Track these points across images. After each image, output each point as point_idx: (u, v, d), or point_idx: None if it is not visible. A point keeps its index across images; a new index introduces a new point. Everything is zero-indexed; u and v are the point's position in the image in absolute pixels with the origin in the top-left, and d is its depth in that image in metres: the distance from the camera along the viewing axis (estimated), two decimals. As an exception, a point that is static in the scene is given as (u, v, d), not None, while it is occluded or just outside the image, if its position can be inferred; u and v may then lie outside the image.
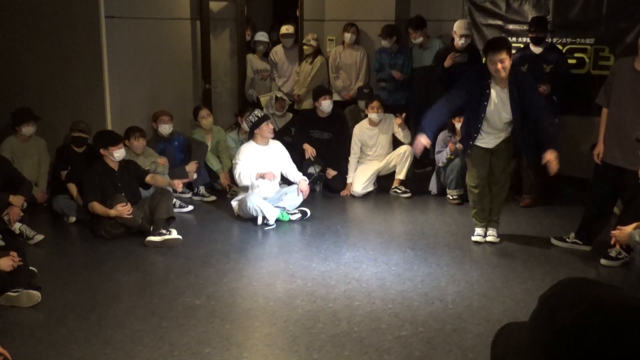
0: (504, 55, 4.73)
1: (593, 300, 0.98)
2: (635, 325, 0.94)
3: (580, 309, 0.97)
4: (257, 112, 6.12)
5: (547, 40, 6.87)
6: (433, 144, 6.89)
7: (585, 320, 0.95)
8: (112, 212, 5.31)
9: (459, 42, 6.86)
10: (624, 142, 4.77)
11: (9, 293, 4.11)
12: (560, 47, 7.03)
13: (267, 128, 6.04)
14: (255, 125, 6.02)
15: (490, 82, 4.90)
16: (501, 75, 4.80)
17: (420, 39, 7.49)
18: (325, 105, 7.00)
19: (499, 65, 4.73)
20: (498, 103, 4.92)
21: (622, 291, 1.00)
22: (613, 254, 4.88)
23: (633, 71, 4.71)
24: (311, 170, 6.90)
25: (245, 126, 7.07)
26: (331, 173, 7.01)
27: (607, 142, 4.94)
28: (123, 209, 5.29)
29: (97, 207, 5.39)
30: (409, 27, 7.50)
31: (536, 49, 6.76)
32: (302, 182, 6.14)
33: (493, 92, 4.91)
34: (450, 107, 5.16)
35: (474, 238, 5.37)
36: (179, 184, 5.79)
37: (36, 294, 4.15)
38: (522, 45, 7.38)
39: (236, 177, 6.02)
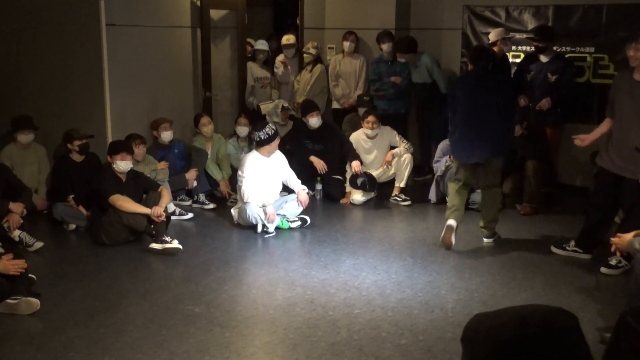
0: None
1: (497, 312, 1.28)
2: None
3: (492, 319, 1.25)
4: (269, 129, 6.00)
5: (554, 49, 6.88)
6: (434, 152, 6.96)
7: (501, 321, 1.23)
8: (146, 210, 5.31)
9: (499, 47, 7.03)
10: (624, 151, 4.79)
11: (8, 300, 4.10)
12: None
13: (276, 144, 6.08)
14: (268, 140, 5.97)
15: None
16: None
17: (403, 60, 7.52)
18: (313, 122, 7.00)
19: None
20: None
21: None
22: (613, 262, 4.88)
23: (632, 81, 4.76)
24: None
25: (240, 130, 7.09)
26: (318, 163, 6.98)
27: (609, 150, 4.96)
28: (159, 212, 5.30)
29: (122, 199, 5.37)
30: (396, 51, 7.50)
31: (543, 58, 6.79)
32: (301, 192, 6.12)
33: None
34: None
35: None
36: (159, 216, 5.35)
37: (35, 302, 4.14)
38: (522, 54, 7.42)
39: (242, 193, 5.93)
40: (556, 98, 6.70)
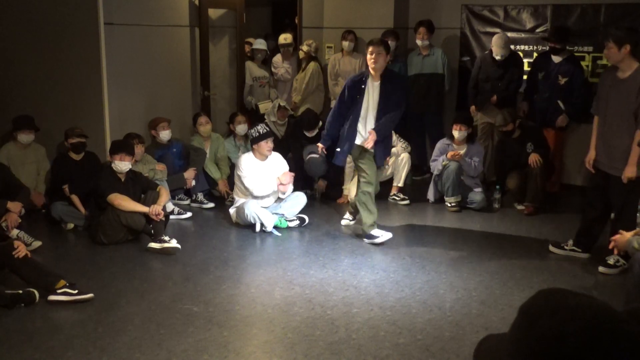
0: (380, 49, 5.26)
1: (571, 308, 1.01)
2: (611, 332, 0.97)
3: (558, 318, 1.00)
4: (260, 128, 6.03)
5: (568, 49, 6.90)
6: (430, 152, 6.96)
7: (563, 328, 0.98)
8: (144, 209, 5.32)
9: (497, 57, 7.07)
10: (609, 148, 4.84)
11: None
12: (579, 58, 7.03)
13: (266, 146, 5.99)
14: (255, 140, 5.98)
15: (367, 78, 5.38)
16: (374, 68, 5.30)
17: (427, 42, 7.53)
18: (309, 135, 7.04)
19: (372, 58, 5.26)
20: (371, 96, 5.38)
21: (597, 300, 1.04)
22: (611, 261, 4.89)
23: (615, 79, 4.81)
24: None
25: (239, 129, 7.11)
26: (321, 184, 7.01)
27: (597, 148, 5.00)
28: (158, 211, 5.30)
29: (121, 198, 5.37)
30: (422, 27, 7.51)
31: (555, 58, 6.81)
32: (285, 174, 6.08)
33: (369, 86, 5.38)
34: (340, 118, 5.55)
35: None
36: (158, 214, 5.36)
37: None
38: (520, 54, 7.43)
39: (250, 190, 5.95)
40: (564, 100, 6.73)
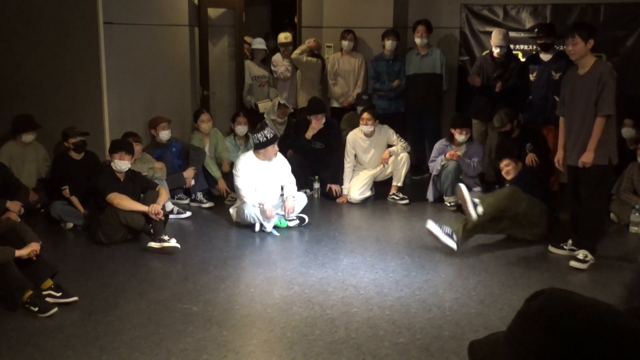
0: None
1: (586, 307, 1.03)
2: (633, 330, 1.00)
3: (579, 318, 1.01)
4: (267, 133, 5.93)
5: (555, 47, 6.92)
6: (429, 151, 6.95)
7: (588, 327, 1.00)
8: (144, 208, 5.33)
9: (495, 51, 7.05)
10: (578, 142, 4.91)
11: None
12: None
13: (272, 150, 5.92)
14: (262, 145, 5.88)
15: None
16: None
17: (426, 41, 7.53)
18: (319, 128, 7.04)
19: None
20: None
21: (596, 300, 1.07)
22: (580, 256, 4.97)
23: (576, 77, 4.92)
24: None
25: (239, 130, 7.11)
26: (335, 189, 6.98)
27: (565, 147, 5.09)
28: (157, 210, 5.30)
29: (120, 197, 5.36)
30: (420, 25, 7.51)
31: (545, 56, 6.83)
32: (289, 199, 6.01)
33: None
34: None
35: None
36: (157, 214, 5.36)
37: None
38: (520, 53, 7.43)
39: (237, 190, 5.94)
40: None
